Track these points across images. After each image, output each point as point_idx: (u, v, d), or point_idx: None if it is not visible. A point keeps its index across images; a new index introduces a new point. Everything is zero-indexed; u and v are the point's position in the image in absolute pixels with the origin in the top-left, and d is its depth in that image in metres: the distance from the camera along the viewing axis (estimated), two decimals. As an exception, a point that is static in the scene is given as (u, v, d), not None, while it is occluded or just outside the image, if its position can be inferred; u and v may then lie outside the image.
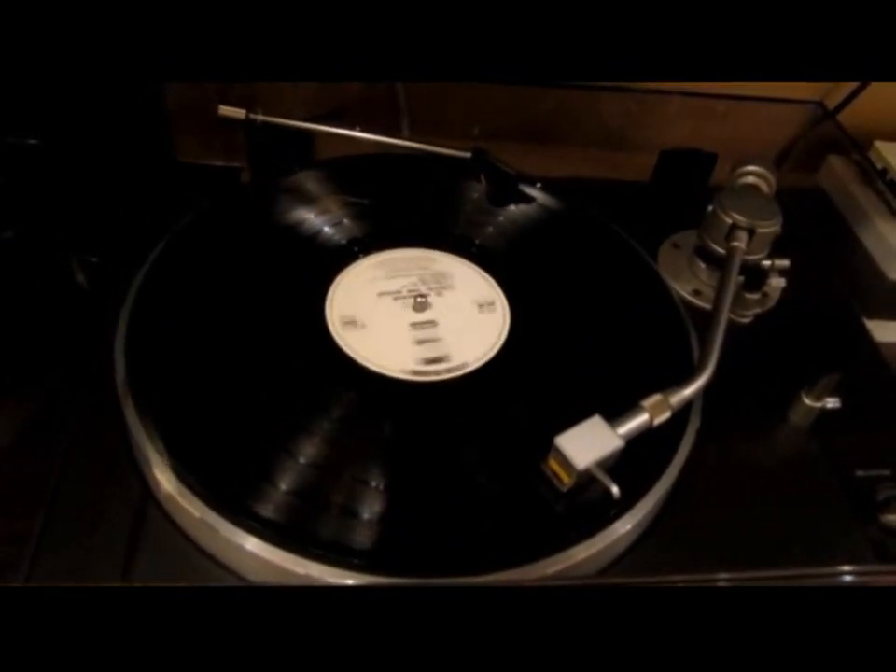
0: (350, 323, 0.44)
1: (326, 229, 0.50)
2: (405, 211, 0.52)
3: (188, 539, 0.36)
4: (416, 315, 0.45)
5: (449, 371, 0.42)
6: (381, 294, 0.46)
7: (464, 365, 0.42)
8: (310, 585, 0.33)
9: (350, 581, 0.33)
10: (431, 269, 0.48)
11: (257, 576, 0.35)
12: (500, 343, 0.44)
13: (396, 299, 0.46)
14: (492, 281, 0.48)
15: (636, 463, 0.37)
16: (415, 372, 0.42)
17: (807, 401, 0.44)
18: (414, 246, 0.49)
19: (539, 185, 0.54)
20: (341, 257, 0.48)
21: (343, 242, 0.49)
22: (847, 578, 0.39)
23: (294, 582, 0.34)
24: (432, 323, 0.45)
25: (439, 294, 0.46)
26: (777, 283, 0.50)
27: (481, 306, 0.46)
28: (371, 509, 0.36)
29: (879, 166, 0.65)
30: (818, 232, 0.61)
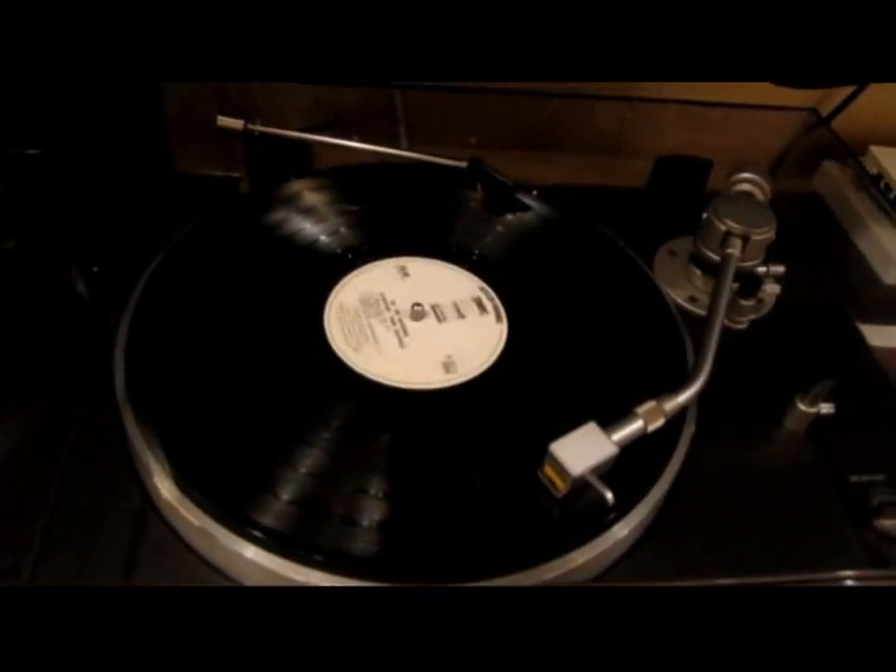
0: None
1: (324, 238, 0.50)
2: (402, 220, 0.52)
3: (187, 547, 0.36)
4: (414, 325, 0.45)
5: (446, 379, 0.42)
6: (378, 302, 0.46)
7: (461, 373, 0.43)
8: (308, 586, 0.33)
9: (350, 584, 0.34)
10: (428, 277, 0.48)
11: (256, 584, 0.35)
12: (498, 351, 0.44)
13: (393, 308, 0.46)
14: (488, 289, 0.48)
15: (632, 468, 0.38)
16: (413, 381, 0.42)
17: (802, 407, 0.45)
18: (411, 255, 0.50)
19: (535, 193, 0.55)
20: (339, 266, 0.48)
21: (341, 251, 0.50)
22: (842, 583, 0.39)
23: (293, 584, 0.34)
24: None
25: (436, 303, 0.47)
26: (773, 289, 0.50)
27: (479, 313, 0.46)
28: (369, 516, 0.36)
29: (874, 171, 0.65)
30: (813, 238, 0.61)
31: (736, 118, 0.67)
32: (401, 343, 0.44)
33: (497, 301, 0.47)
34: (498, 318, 0.46)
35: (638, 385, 0.41)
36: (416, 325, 0.45)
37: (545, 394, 0.43)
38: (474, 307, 0.47)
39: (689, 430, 0.42)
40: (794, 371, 0.46)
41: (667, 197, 0.61)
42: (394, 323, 0.45)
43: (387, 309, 0.46)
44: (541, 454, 0.37)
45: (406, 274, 0.48)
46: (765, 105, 0.67)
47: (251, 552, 0.34)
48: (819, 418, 0.45)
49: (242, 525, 0.35)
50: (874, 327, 0.54)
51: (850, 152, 0.66)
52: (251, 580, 0.35)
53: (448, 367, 0.43)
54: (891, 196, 0.63)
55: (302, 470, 0.37)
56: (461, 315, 0.46)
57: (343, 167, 0.56)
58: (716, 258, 0.49)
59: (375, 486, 0.37)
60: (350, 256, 0.49)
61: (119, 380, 0.40)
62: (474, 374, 0.43)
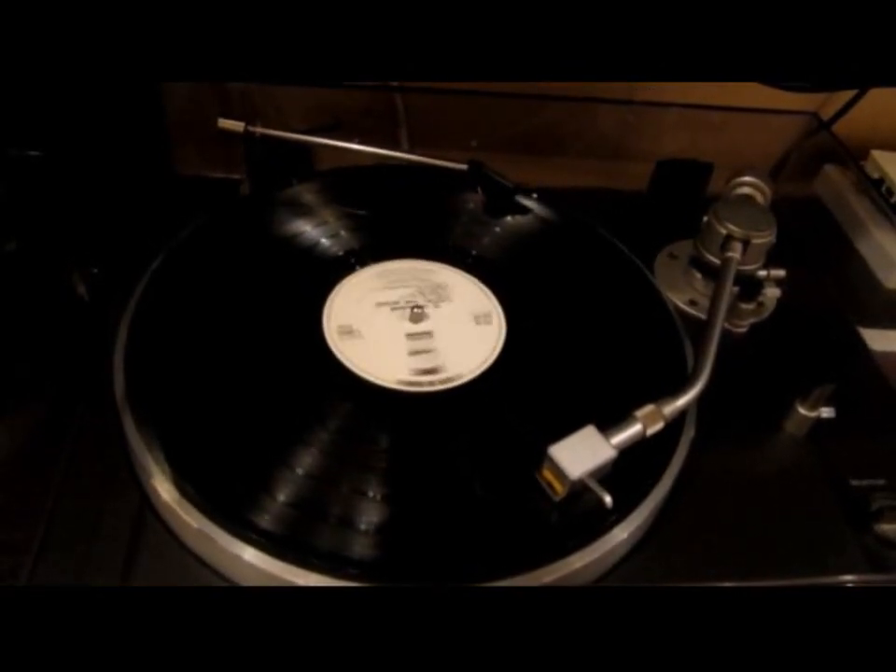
0: (347, 334, 0.44)
1: (324, 240, 0.50)
2: (403, 222, 0.52)
3: (186, 549, 0.36)
4: (413, 326, 0.45)
5: (445, 381, 0.42)
6: (378, 305, 0.46)
7: (460, 375, 0.43)
8: (306, 587, 0.33)
9: (346, 584, 0.34)
10: (428, 280, 0.48)
11: (254, 585, 0.35)
12: (496, 353, 0.44)
13: (393, 310, 0.46)
14: (488, 292, 0.48)
15: (632, 472, 0.38)
16: (410, 383, 0.42)
17: (802, 411, 0.45)
18: (412, 258, 0.50)
19: (535, 196, 0.55)
20: (338, 268, 0.48)
21: (341, 253, 0.50)
22: (842, 587, 0.39)
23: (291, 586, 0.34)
24: (429, 334, 0.45)
25: (435, 305, 0.47)
26: (773, 293, 0.50)
27: (477, 317, 0.46)
28: (367, 519, 0.36)
29: (876, 175, 0.65)
30: (814, 241, 0.62)
31: (737, 121, 0.67)
32: (401, 345, 0.44)
33: (497, 304, 0.47)
34: (498, 320, 0.46)
35: (638, 388, 0.41)
36: (416, 326, 0.45)
37: (544, 396, 0.43)
38: (475, 309, 0.47)
39: (688, 434, 0.42)
40: (794, 375, 0.46)
41: (668, 200, 0.61)
42: (393, 324, 0.45)
43: (387, 310, 0.46)
44: (540, 456, 0.37)
45: (407, 276, 0.48)
46: (766, 108, 0.67)
47: (250, 553, 0.34)
48: (820, 422, 0.45)
49: (240, 527, 0.35)
50: (874, 331, 0.54)
51: (851, 156, 0.66)
52: (249, 581, 0.35)
53: (447, 368, 0.43)
54: (892, 200, 0.63)
55: (302, 473, 0.37)
56: (460, 317, 0.46)
57: (344, 169, 0.56)
58: (716, 261, 0.49)
59: (374, 488, 0.37)
60: (350, 258, 0.49)
61: (119, 381, 0.40)
62: (473, 376, 0.43)
